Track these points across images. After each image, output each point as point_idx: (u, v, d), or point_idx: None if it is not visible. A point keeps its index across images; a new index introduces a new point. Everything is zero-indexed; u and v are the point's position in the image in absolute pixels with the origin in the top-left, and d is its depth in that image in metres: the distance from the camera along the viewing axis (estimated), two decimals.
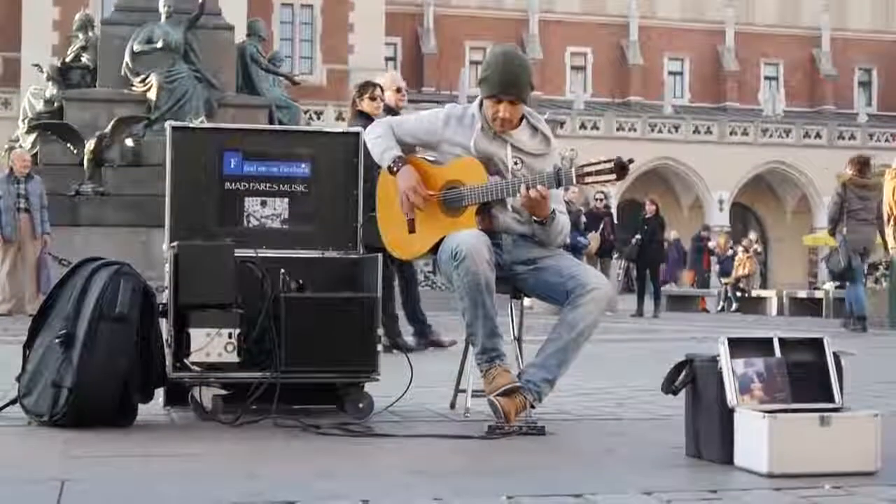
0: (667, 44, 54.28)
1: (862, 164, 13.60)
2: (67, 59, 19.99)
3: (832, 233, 13.81)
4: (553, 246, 4.46)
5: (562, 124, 41.26)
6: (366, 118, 8.02)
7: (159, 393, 4.43)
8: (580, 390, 5.45)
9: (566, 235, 4.50)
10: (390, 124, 4.57)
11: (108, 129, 17.59)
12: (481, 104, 4.44)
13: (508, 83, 4.34)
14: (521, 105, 4.40)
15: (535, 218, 4.33)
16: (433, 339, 8.77)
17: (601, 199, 19.62)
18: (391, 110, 8.53)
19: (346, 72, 48.27)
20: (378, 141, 4.51)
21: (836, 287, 21.50)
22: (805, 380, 3.40)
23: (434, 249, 4.38)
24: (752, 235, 32.09)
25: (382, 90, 8.58)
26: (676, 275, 30.45)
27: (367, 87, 8.54)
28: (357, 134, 4.74)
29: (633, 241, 18.56)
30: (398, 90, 8.82)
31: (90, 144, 17.45)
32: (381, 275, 4.45)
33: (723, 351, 3.38)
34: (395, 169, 4.42)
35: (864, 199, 13.40)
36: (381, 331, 4.44)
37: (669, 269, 27.12)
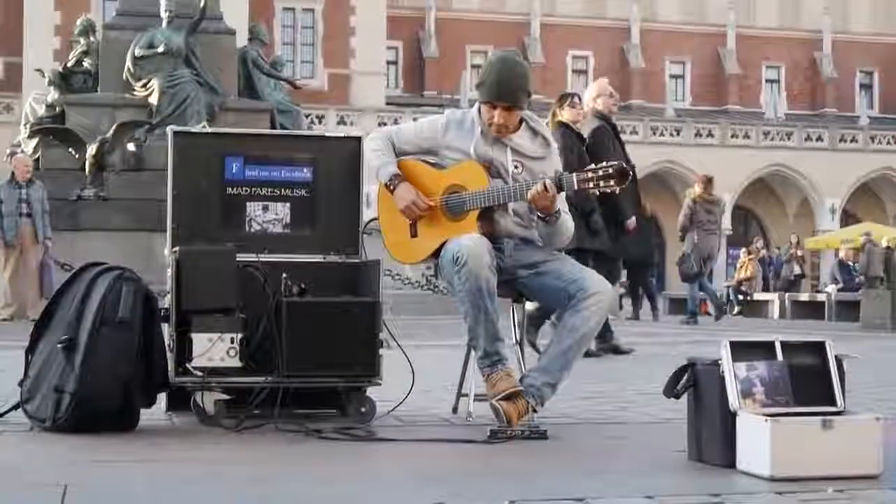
0: (668, 47, 54.31)
1: (707, 183, 16.23)
2: (69, 64, 19.99)
3: (682, 240, 16.25)
4: (555, 247, 4.46)
5: None
6: (566, 127, 8.47)
7: (161, 398, 4.43)
8: (582, 394, 5.45)
9: (569, 237, 4.50)
10: (389, 135, 4.56)
11: (109, 134, 17.60)
12: (480, 109, 4.44)
13: (502, 90, 4.34)
14: (518, 111, 4.40)
15: (540, 213, 4.32)
16: (614, 343, 8.84)
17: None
18: (604, 117, 8.94)
19: (348, 76, 48.34)
20: (376, 154, 4.51)
21: (839, 290, 21.49)
22: (807, 383, 3.40)
23: (436, 254, 4.39)
24: (793, 238, 31.28)
25: (580, 99, 8.86)
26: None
27: (566, 97, 8.81)
28: (358, 139, 4.75)
29: None
30: (611, 95, 9.12)
31: (92, 149, 17.46)
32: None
33: (725, 354, 3.38)
34: (391, 187, 4.42)
35: (710, 213, 15.99)
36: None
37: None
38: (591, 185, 4.21)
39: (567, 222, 4.43)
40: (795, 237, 30.47)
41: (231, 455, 3.72)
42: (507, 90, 4.34)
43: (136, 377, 4.11)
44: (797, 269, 26.90)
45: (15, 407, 4.22)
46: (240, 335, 4.21)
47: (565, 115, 8.61)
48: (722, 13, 54.29)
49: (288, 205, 4.66)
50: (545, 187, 4.20)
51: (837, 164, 49.21)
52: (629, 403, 5.31)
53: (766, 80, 55.93)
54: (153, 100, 18.35)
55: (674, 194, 50.67)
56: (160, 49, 18.47)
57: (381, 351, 4.40)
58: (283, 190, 4.65)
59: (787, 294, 24.43)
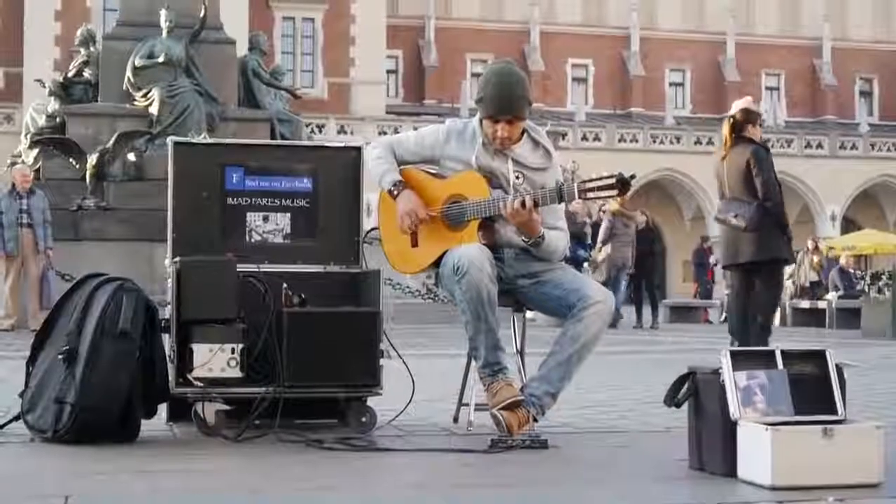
0: (668, 55, 54.36)
1: (623, 199, 16.81)
2: (69, 74, 20.01)
3: (600, 251, 17.38)
4: (553, 261, 4.46)
5: (563, 136, 41.28)
6: (759, 146, 8.74)
7: (162, 408, 4.43)
8: (583, 403, 5.45)
9: (563, 251, 4.49)
10: (390, 144, 4.56)
11: (110, 144, 17.60)
12: (482, 122, 4.44)
13: (504, 103, 4.34)
14: (520, 121, 4.40)
15: (523, 238, 4.32)
16: None
17: (605, 212, 19.75)
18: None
19: (348, 85, 48.38)
20: (378, 162, 4.51)
21: (839, 297, 21.46)
22: (808, 392, 3.40)
23: (436, 263, 4.39)
24: (810, 243, 30.73)
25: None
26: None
27: (754, 115, 8.94)
28: (358, 148, 4.75)
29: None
30: (760, 113, 9.38)
31: (92, 159, 17.46)
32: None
33: (725, 363, 3.38)
34: (395, 193, 4.43)
35: (626, 227, 17.36)
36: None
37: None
38: (593, 194, 4.21)
39: (553, 241, 4.39)
40: (812, 242, 29.46)
41: (232, 465, 3.72)
42: (508, 103, 4.34)
43: (136, 388, 4.11)
44: (814, 276, 26.47)
45: (16, 418, 4.22)
46: (240, 345, 4.21)
47: (758, 133, 8.84)
48: (721, 21, 54.34)
49: (288, 215, 4.66)
50: (523, 204, 4.19)
51: (838, 171, 49.25)
52: (630, 412, 5.31)
53: (766, 88, 55.97)
54: (153, 110, 18.37)
55: (674, 202, 50.79)
56: (160, 59, 18.50)
57: (382, 361, 4.40)
58: (283, 200, 4.66)
59: (788, 301, 24.39)
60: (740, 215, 8.68)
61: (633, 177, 4.17)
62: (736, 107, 9.12)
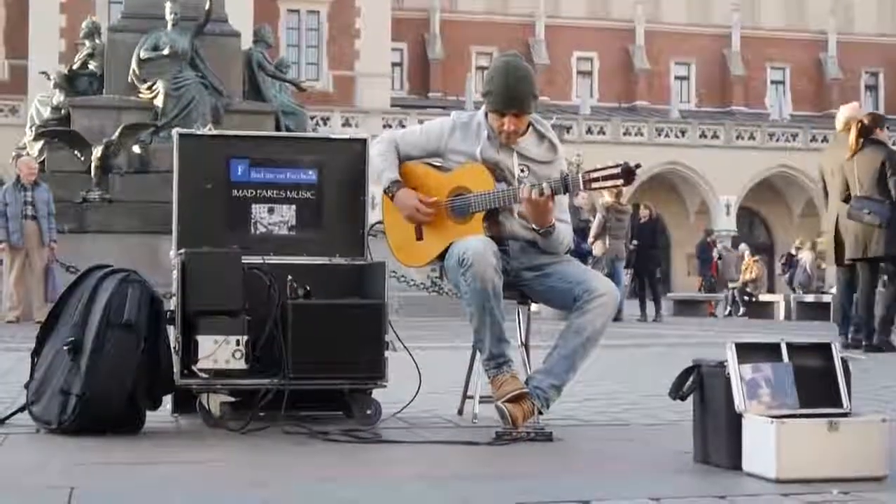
0: (673, 48, 54.30)
1: (617, 193, 17.75)
2: (74, 67, 20.04)
3: (593, 245, 17.76)
4: (559, 253, 4.46)
5: (568, 129, 41.33)
6: (883, 146, 9.43)
7: (167, 400, 4.43)
8: (587, 396, 5.45)
9: (568, 244, 4.49)
10: (394, 139, 4.56)
11: (115, 136, 17.62)
12: (488, 115, 4.43)
13: (511, 98, 4.33)
14: (527, 115, 4.39)
15: (534, 227, 4.32)
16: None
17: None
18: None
19: (353, 78, 48.37)
20: (379, 159, 4.51)
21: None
22: (813, 385, 3.40)
23: (441, 256, 4.39)
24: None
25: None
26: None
27: (881, 119, 9.72)
28: (363, 141, 4.75)
29: (631, 246, 18.69)
30: None
31: (97, 151, 17.50)
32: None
33: (730, 356, 3.38)
34: (390, 194, 4.43)
35: (620, 220, 17.75)
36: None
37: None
38: (598, 184, 4.20)
39: (563, 231, 4.41)
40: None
41: (236, 457, 3.73)
42: (515, 97, 4.33)
43: (141, 379, 4.12)
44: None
45: (21, 409, 4.23)
46: (245, 337, 4.21)
47: (885, 135, 9.51)
48: (727, 14, 54.28)
49: (293, 207, 4.66)
50: (541, 192, 4.19)
51: None
52: (634, 405, 5.30)
53: (771, 82, 55.94)
54: (158, 102, 18.40)
55: (679, 196, 50.74)
56: (165, 51, 18.52)
57: (387, 353, 4.40)
58: (288, 192, 4.66)
59: (792, 296, 24.40)
60: (875, 212, 9.07)
61: (638, 166, 4.16)
62: (845, 112, 9.45)
